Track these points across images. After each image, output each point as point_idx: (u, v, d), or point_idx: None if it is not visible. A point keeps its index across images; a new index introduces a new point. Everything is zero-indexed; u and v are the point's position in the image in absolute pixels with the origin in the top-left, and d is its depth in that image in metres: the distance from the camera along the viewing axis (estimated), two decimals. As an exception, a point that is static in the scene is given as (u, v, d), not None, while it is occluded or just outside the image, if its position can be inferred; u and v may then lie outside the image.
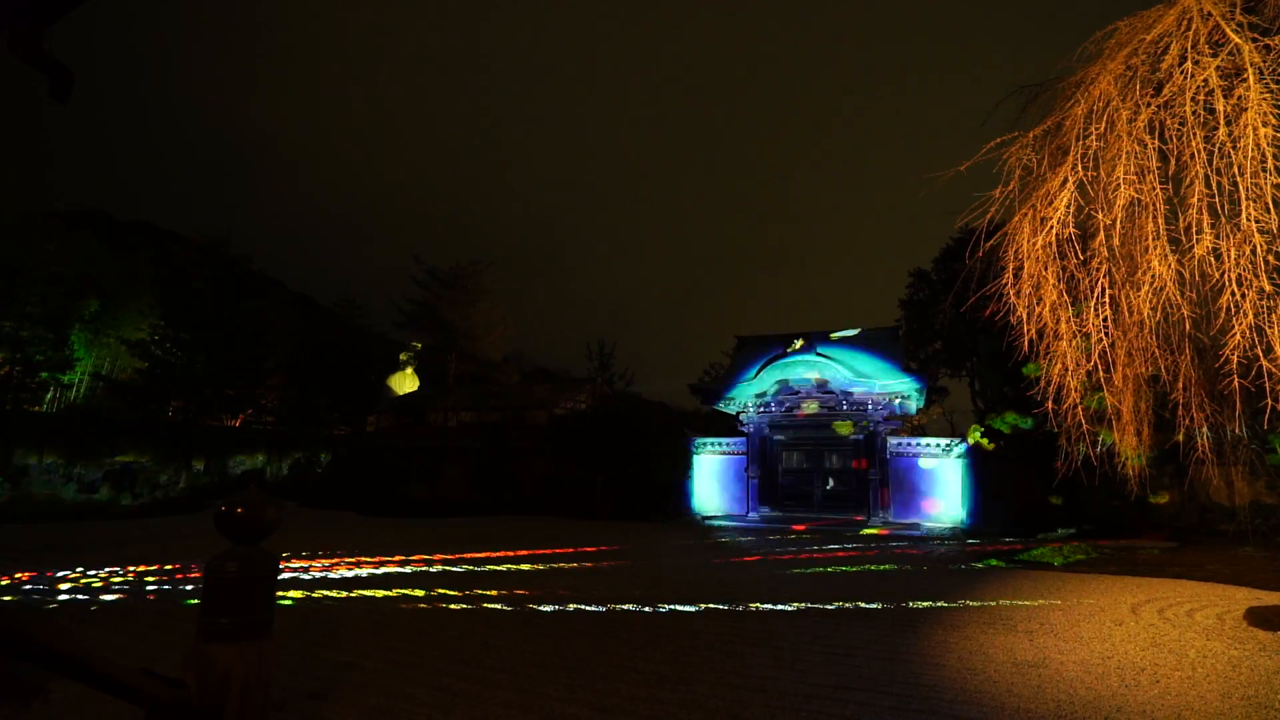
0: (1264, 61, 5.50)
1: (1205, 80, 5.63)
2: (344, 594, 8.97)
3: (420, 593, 9.16)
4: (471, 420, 35.63)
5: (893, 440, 23.91)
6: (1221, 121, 5.50)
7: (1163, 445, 7.78)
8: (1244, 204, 5.37)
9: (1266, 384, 5.49)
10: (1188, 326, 6.50)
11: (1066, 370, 7.16)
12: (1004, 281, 7.30)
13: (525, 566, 12.04)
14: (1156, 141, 6.08)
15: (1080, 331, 6.99)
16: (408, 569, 11.44)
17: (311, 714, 4.46)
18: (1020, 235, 7.11)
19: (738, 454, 26.09)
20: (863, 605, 8.76)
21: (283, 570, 10.83)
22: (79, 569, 10.55)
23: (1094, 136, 6.36)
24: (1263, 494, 18.23)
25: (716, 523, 23.75)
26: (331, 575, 10.56)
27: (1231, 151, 5.43)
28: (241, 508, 1.68)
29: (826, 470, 25.21)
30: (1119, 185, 6.07)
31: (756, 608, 8.51)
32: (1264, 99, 5.36)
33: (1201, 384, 6.88)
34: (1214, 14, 5.84)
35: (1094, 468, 7.66)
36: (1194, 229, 5.66)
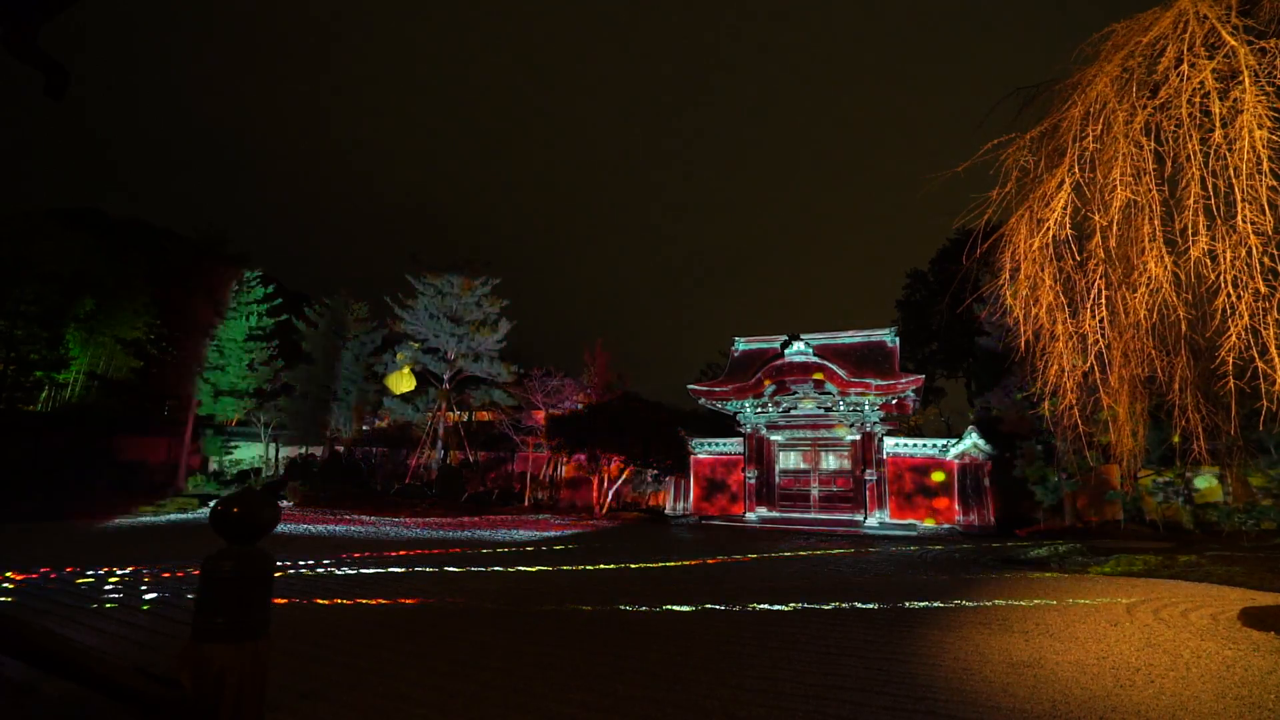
0: (1259, 64, 5.52)
1: (1201, 83, 5.66)
2: (340, 593, 8.95)
3: (416, 592, 9.15)
4: (468, 419, 35.61)
5: (889, 441, 23.96)
6: (1217, 124, 5.52)
7: (1159, 446, 7.81)
8: (1240, 206, 5.39)
9: (1262, 385, 5.52)
10: (1184, 328, 6.52)
11: (1063, 372, 7.18)
12: (1001, 283, 7.33)
13: (521, 566, 12.03)
14: (1153, 143, 6.10)
15: (1077, 333, 7.02)
16: (404, 568, 11.41)
17: (306, 714, 4.45)
18: (1017, 237, 7.13)
19: (734, 454, 26.13)
20: (859, 606, 8.78)
21: (278, 569, 10.79)
22: (73, 568, 10.50)
23: (1090, 138, 6.39)
24: (1257, 495, 18.31)
25: (714, 523, 23.77)
26: (327, 575, 10.54)
27: (1227, 154, 5.46)
28: (237, 507, 1.67)
29: (823, 471, 25.25)
30: (1115, 187, 6.09)
31: (753, 608, 8.51)
32: (1259, 101, 5.38)
33: (1197, 385, 6.91)
34: (1210, 16, 5.86)
35: (1090, 468, 7.68)
36: (1190, 231, 5.69)
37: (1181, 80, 5.80)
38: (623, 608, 8.35)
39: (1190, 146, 5.66)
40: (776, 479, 25.61)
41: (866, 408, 24.03)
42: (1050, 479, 20.91)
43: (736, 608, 8.49)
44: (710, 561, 13.45)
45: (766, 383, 24.65)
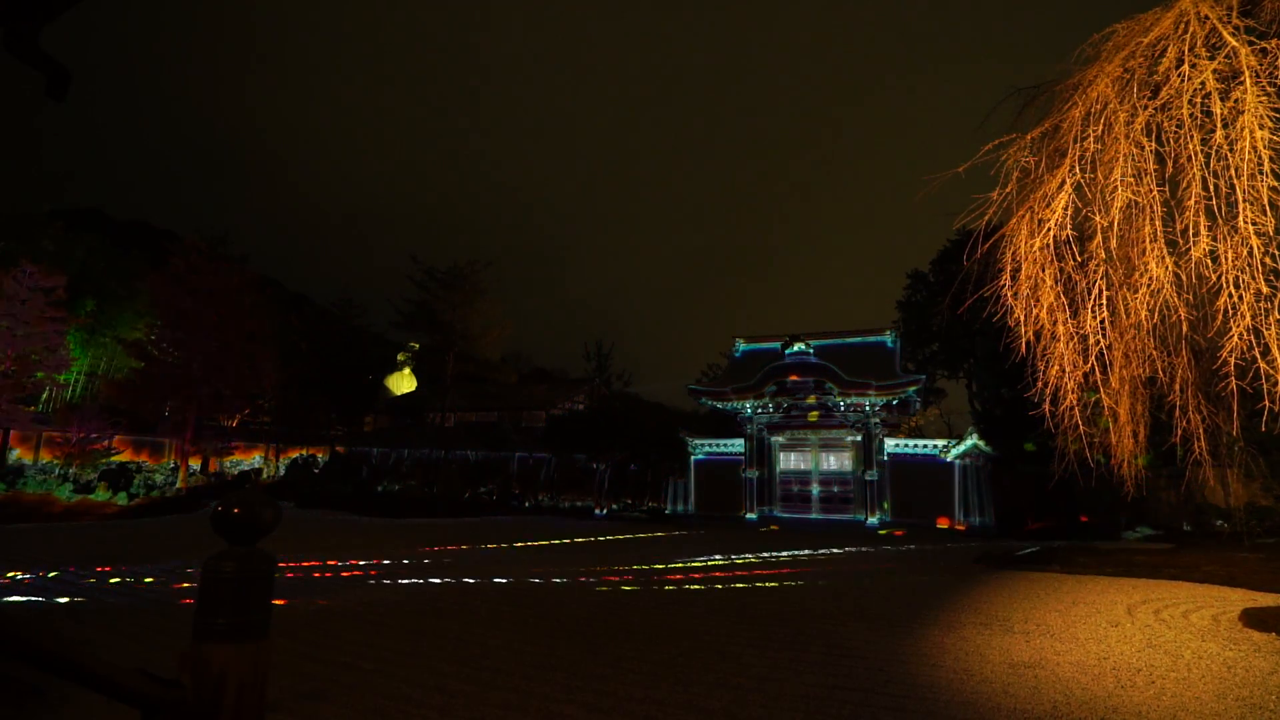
0: (1260, 65, 5.52)
1: (1202, 83, 5.65)
2: (341, 594, 8.95)
3: (418, 593, 9.15)
4: (469, 420, 35.62)
5: (890, 441, 23.95)
6: (1218, 124, 5.51)
7: (1159, 447, 7.80)
8: (1241, 206, 5.38)
9: (1264, 386, 5.51)
10: (1185, 329, 6.52)
11: (1064, 372, 7.17)
12: (1001, 283, 7.32)
13: (521, 567, 12.02)
14: (1154, 144, 6.09)
15: (1078, 333, 7.01)
16: (404, 569, 11.41)
17: (308, 714, 4.45)
18: (1018, 237, 7.12)
19: (735, 454, 26.12)
20: (860, 606, 8.77)
21: (280, 571, 10.80)
22: (74, 569, 10.51)
23: (1091, 139, 6.38)
24: (1258, 495, 18.28)
25: (715, 523, 23.76)
26: (328, 576, 10.54)
27: (1228, 154, 5.45)
28: (238, 508, 1.67)
29: (824, 471, 25.24)
30: (1116, 187, 6.09)
31: (754, 608, 8.51)
32: (1261, 102, 5.37)
33: (1198, 386, 6.90)
34: (1211, 17, 5.86)
35: (1090, 469, 7.67)
36: (1191, 231, 5.68)
37: (1183, 81, 5.79)
38: (623, 608, 8.35)
39: (1191, 147, 5.66)
40: (777, 479, 25.59)
41: (867, 408, 24.01)
42: (1051, 480, 20.88)
43: (737, 608, 8.49)
44: (711, 563, 13.44)
45: (767, 384, 24.64)
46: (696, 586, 10.30)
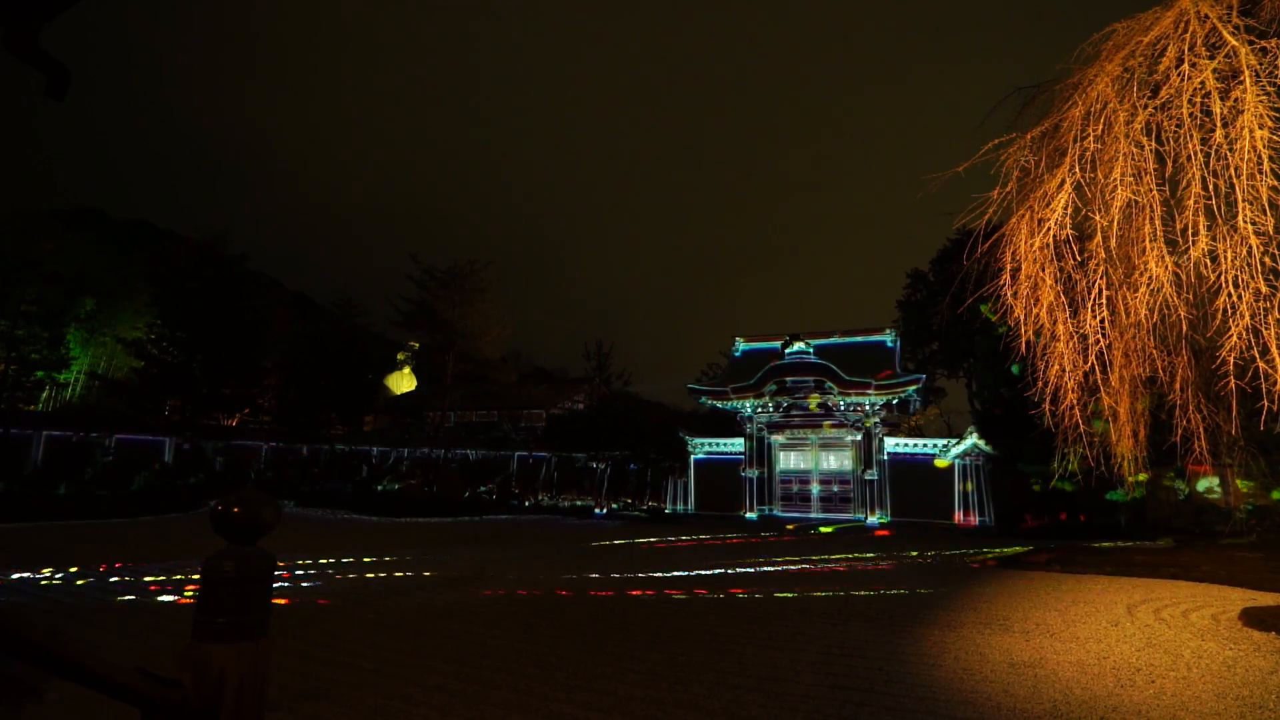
0: (1260, 64, 5.51)
1: (1202, 83, 5.65)
2: (341, 594, 8.95)
3: (418, 593, 9.15)
4: (469, 420, 35.63)
5: (890, 441, 23.95)
6: (1218, 124, 5.51)
7: (1160, 446, 7.79)
8: (1240, 206, 5.38)
9: (1263, 385, 5.51)
10: (1184, 328, 6.52)
11: (1064, 371, 7.17)
12: (1001, 283, 7.31)
13: (521, 568, 12.02)
14: (1153, 143, 6.09)
15: (1077, 333, 7.00)
16: (404, 569, 11.41)
17: (308, 714, 4.45)
18: (1018, 237, 7.12)
19: (735, 454, 26.12)
20: (859, 605, 8.77)
21: (279, 570, 10.80)
22: (74, 568, 10.51)
23: (1091, 138, 6.38)
24: (1258, 495, 18.28)
25: (715, 523, 23.76)
26: (328, 576, 10.54)
27: (1228, 153, 5.45)
28: (238, 507, 1.67)
29: (824, 470, 25.25)
30: (1116, 187, 6.08)
31: (754, 607, 8.51)
32: (1260, 101, 5.37)
33: (1198, 385, 6.90)
34: (1211, 16, 5.85)
35: (1090, 469, 7.67)
36: (1191, 231, 5.68)
37: (1182, 80, 5.79)
38: (623, 607, 8.35)
39: (1191, 146, 5.65)
40: (777, 478, 25.61)
41: (867, 408, 24.02)
42: (1051, 479, 20.87)
43: (737, 607, 8.49)
44: (711, 561, 13.44)
45: (767, 383, 24.64)
46: (698, 586, 10.30)
